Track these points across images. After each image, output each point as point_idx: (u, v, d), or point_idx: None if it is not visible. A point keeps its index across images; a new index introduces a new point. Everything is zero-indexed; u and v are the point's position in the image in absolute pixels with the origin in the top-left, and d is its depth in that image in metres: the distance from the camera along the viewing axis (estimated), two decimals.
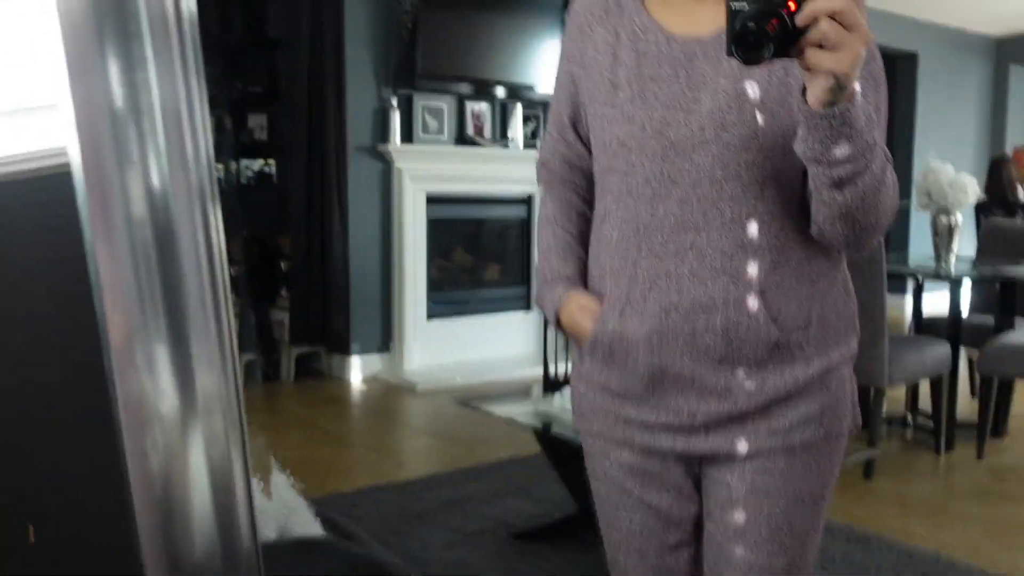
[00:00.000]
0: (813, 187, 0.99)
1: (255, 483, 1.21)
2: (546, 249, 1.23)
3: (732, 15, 0.89)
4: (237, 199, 4.99)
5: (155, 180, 0.69)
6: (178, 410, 0.72)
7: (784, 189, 1.05)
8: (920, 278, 4.09)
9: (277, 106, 5.26)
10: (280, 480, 1.21)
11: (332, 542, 1.00)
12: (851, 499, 3.16)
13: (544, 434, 2.55)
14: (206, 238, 0.73)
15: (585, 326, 1.14)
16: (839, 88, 0.88)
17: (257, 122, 5.23)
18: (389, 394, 4.68)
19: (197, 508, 0.70)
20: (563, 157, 1.23)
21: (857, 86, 0.90)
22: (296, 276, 4.89)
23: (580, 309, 1.16)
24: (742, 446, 1.10)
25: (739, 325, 1.05)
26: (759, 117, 1.03)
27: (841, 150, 0.92)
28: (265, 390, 4.74)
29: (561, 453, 2.69)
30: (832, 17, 0.85)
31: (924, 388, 4.04)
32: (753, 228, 1.04)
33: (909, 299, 5.33)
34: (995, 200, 6.00)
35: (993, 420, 3.81)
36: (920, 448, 3.81)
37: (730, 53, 0.89)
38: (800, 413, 1.09)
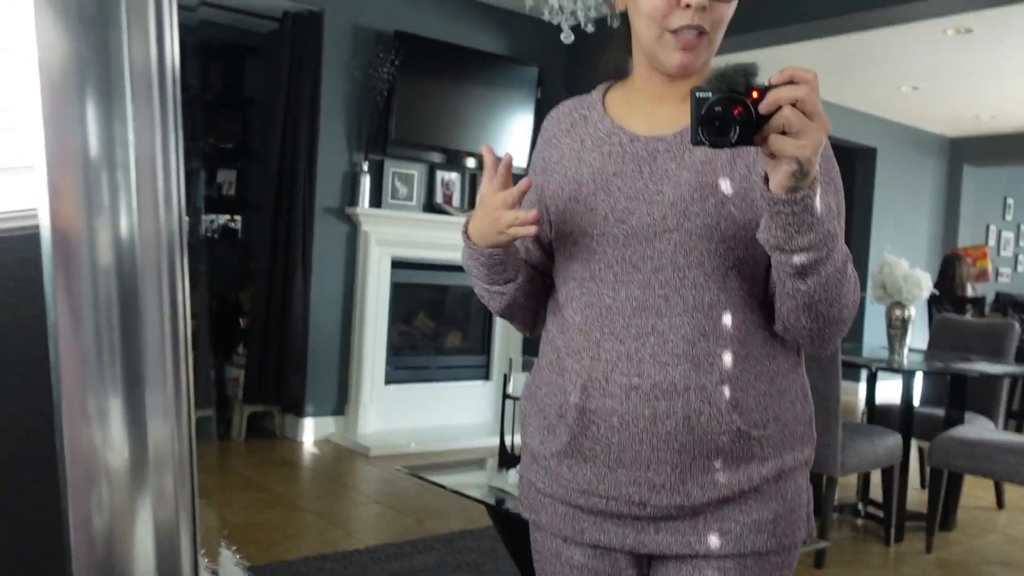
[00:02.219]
0: (777, 278, 1.02)
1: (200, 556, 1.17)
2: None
3: (698, 103, 0.92)
4: (201, 252, 4.95)
5: (123, 230, 0.68)
6: (128, 465, 0.70)
7: (747, 282, 1.07)
8: (874, 368, 4.15)
9: (248, 163, 5.28)
10: (227, 556, 1.17)
11: None
12: None
13: (497, 510, 2.51)
14: (171, 290, 0.73)
15: (482, 193, 1.14)
16: (802, 173, 0.91)
17: (226, 177, 5.23)
18: (341, 458, 4.59)
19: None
20: (527, 250, 1.23)
21: (817, 171, 0.93)
22: (254, 333, 4.83)
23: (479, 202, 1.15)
24: (690, 548, 1.08)
25: (700, 412, 1.04)
26: (721, 207, 1.05)
27: (803, 238, 0.94)
28: (215, 448, 4.63)
29: (513, 530, 2.64)
30: (794, 105, 0.89)
31: (875, 477, 4.07)
32: (715, 316, 1.06)
33: (862, 386, 5.41)
34: (946, 296, 6.16)
35: (942, 513, 3.84)
36: (870, 538, 3.81)
37: (696, 140, 0.93)
38: (753, 519, 1.08)
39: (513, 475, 2.63)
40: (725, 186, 1.06)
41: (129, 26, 0.68)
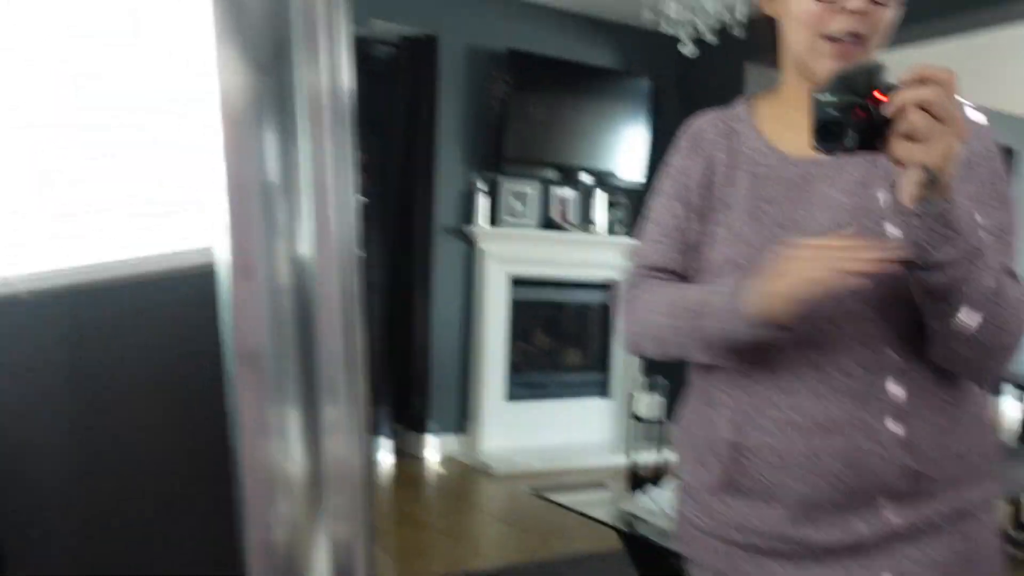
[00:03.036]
0: (919, 302, 0.93)
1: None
2: (671, 301, 1.06)
3: (816, 106, 0.87)
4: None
5: (301, 251, 0.70)
6: (306, 480, 0.70)
7: (911, 307, 0.96)
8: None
9: (368, 184, 5.41)
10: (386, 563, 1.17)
11: None
12: None
13: (628, 535, 2.46)
14: (346, 307, 0.73)
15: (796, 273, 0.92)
16: (931, 182, 0.83)
17: None
18: (464, 476, 4.62)
19: None
20: (674, 267, 1.12)
21: (950, 180, 0.85)
22: (377, 352, 4.92)
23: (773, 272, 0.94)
24: None
25: (864, 451, 0.96)
26: (876, 228, 0.97)
27: (939, 253, 0.86)
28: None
29: (645, 555, 2.58)
30: (922, 108, 0.82)
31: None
32: (876, 346, 0.97)
33: (1009, 401, 5.08)
34: None
35: None
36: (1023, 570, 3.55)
37: (815, 146, 0.88)
38: (931, 559, 0.97)
39: (643, 498, 2.57)
40: (885, 207, 0.97)
41: (304, 56, 0.70)
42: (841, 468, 0.96)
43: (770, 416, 0.99)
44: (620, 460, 4.05)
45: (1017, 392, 4.11)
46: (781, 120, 1.09)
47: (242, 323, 0.69)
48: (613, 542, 3.13)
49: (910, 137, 0.82)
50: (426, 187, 4.89)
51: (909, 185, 0.85)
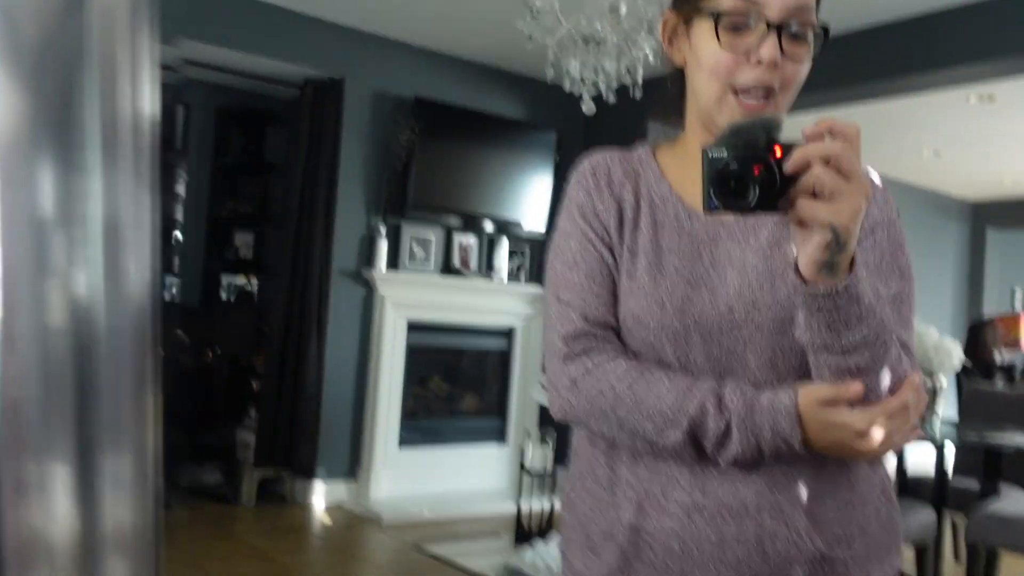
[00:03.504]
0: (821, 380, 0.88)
1: None
2: (689, 386, 0.92)
3: (711, 163, 0.80)
4: (217, 315, 4.94)
5: (81, 290, 0.64)
6: (78, 543, 0.64)
7: None
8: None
9: (266, 226, 5.29)
10: None
11: None
12: None
13: None
14: (136, 355, 0.68)
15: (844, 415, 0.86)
16: (837, 245, 0.77)
17: (244, 240, 5.25)
18: (352, 526, 4.48)
19: None
20: (614, 323, 0.99)
21: (855, 246, 0.80)
22: (267, 396, 4.77)
23: (823, 400, 0.86)
24: None
25: (775, 536, 0.89)
26: (796, 297, 0.89)
27: (853, 334, 0.81)
28: (223, 513, 4.53)
29: None
30: (827, 163, 0.77)
31: (907, 554, 3.89)
32: None
33: (891, 460, 5.23)
34: (975, 362, 6.02)
35: None
36: None
37: (709, 205, 0.80)
38: None
39: (529, 553, 2.52)
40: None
41: (98, 84, 0.65)
42: (751, 556, 0.90)
43: (675, 499, 0.92)
44: (515, 508, 3.99)
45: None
46: (683, 172, 1.02)
47: (4, 369, 0.63)
48: None
49: (815, 195, 0.77)
50: (325, 230, 4.81)
51: (812, 250, 0.78)
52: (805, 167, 0.77)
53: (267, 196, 5.29)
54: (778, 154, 0.79)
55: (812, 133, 0.79)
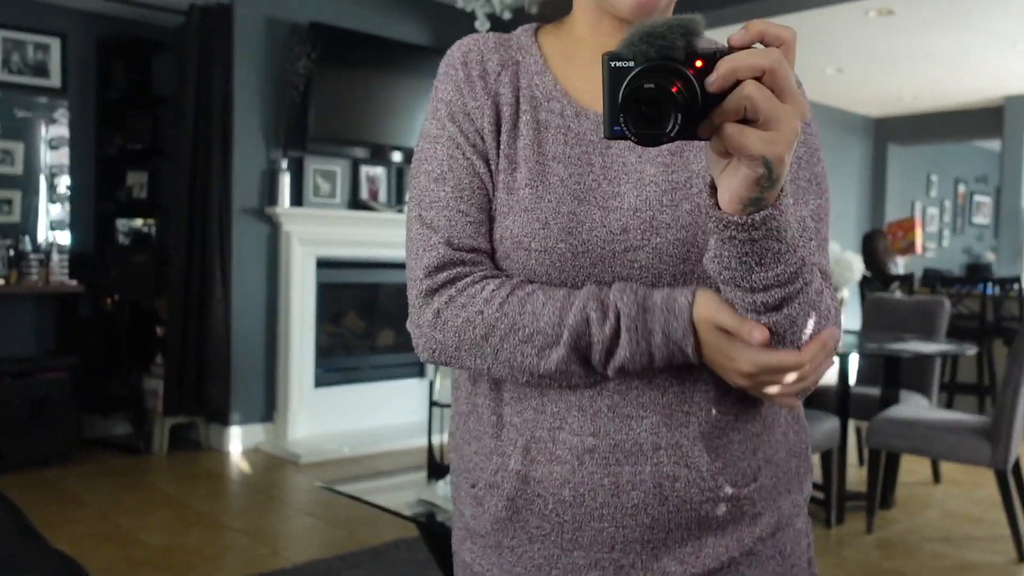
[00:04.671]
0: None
1: None
2: (565, 296, 0.81)
3: (613, 75, 0.63)
4: (112, 259, 4.71)
5: None
6: None
7: None
8: None
9: (159, 164, 5.03)
10: None
11: None
12: None
13: (426, 527, 2.38)
14: None
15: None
16: (769, 181, 0.64)
17: (137, 180, 4.98)
18: (270, 468, 4.41)
19: None
20: (487, 247, 0.87)
21: (786, 181, 0.68)
22: (172, 342, 4.60)
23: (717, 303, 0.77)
24: None
25: (675, 478, 0.81)
26: (699, 216, 0.79)
27: (767, 272, 0.70)
28: (134, 464, 4.40)
29: (445, 545, 2.52)
30: (759, 79, 0.62)
31: (814, 459, 4.04)
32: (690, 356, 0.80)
33: None
34: (872, 273, 6.22)
35: (881, 491, 3.84)
36: (813, 521, 3.78)
37: (612, 132, 0.63)
38: None
39: (441, 486, 2.50)
40: (703, 186, 0.80)
41: None
42: (649, 501, 0.81)
43: (564, 442, 0.82)
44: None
45: None
46: (571, 61, 0.89)
47: None
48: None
49: (745, 119, 0.63)
50: (223, 166, 4.60)
51: (739, 185, 0.65)
52: (733, 84, 0.62)
53: (158, 132, 5.01)
54: (699, 66, 0.63)
55: (740, 41, 0.64)
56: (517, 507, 0.85)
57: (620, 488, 0.81)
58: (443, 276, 0.84)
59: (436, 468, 2.58)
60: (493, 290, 0.82)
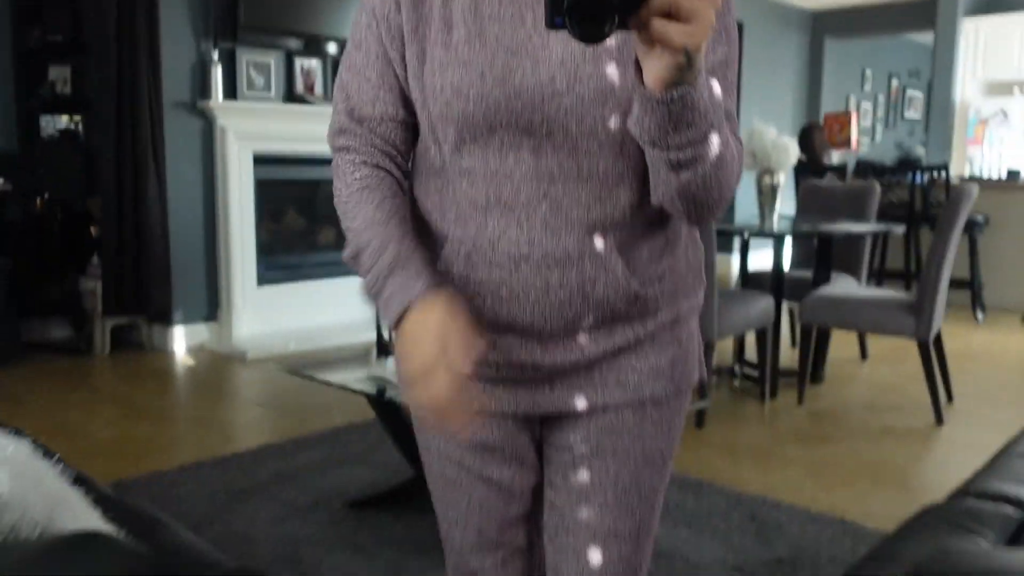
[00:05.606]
0: (649, 163, 0.91)
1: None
2: (376, 222, 0.98)
3: None
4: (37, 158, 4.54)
5: None
6: None
7: (642, 155, 0.95)
8: (746, 235, 4.24)
9: (82, 58, 4.80)
10: (42, 468, 1.02)
11: (110, 536, 0.84)
12: (683, 448, 3.23)
13: (378, 399, 2.44)
14: None
15: (426, 355, 0.89)
16: (688, 67, 0.75)
17: (60, 75, 4.76)
18: (216, 365, 4.41)
19: None
20: (392, 114, 1.01)
21: (703, 62, 0.79)
22: (108, 242, 4.50)
23: (434, 331, 0.91)
24: (588, 400, 1.03)
25: (595, 280, 0.97)
26: (616, 71, 0.91)
27: (681, 136, 0.82)
28: (76, 365, 4.36)
29: (397, 418, 2.58)
30: None
31: (750, 339, 4.21)
32: (611, 183, 0.95)
33: (735, 257, 5.56)
34: (808, 164, 6.34)
35: (812, 367, 4.02)
36: (747, 396, 3.96)
37: (554, 24, 0.70)
38: (650, 365, 1.03)
39: (391, 361, 2.55)
40: (622, 44, 0.92)
41: None
42: (573, 298, 0.97)
43: (504, 251, 0.96)
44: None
45: (740, 244, 4.49)
46: None
47: None
48: (372, 413, 3.09)
49: (668, 14, 0.71)
50: (151, 58, 4.42)
51: (661, 69, 0.75)
52: None
53: (79, 22, 4.76)
54: None
55: None
56: (459, 303, 0.95)
57: (550, 288, 0.97)
58: (340, 141, 1.03)
59: (384, 347, 2.62)
60: (355, 179, 1.01)
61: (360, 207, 0.99)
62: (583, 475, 1.04)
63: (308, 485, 2.80)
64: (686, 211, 0.92)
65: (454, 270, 0.99)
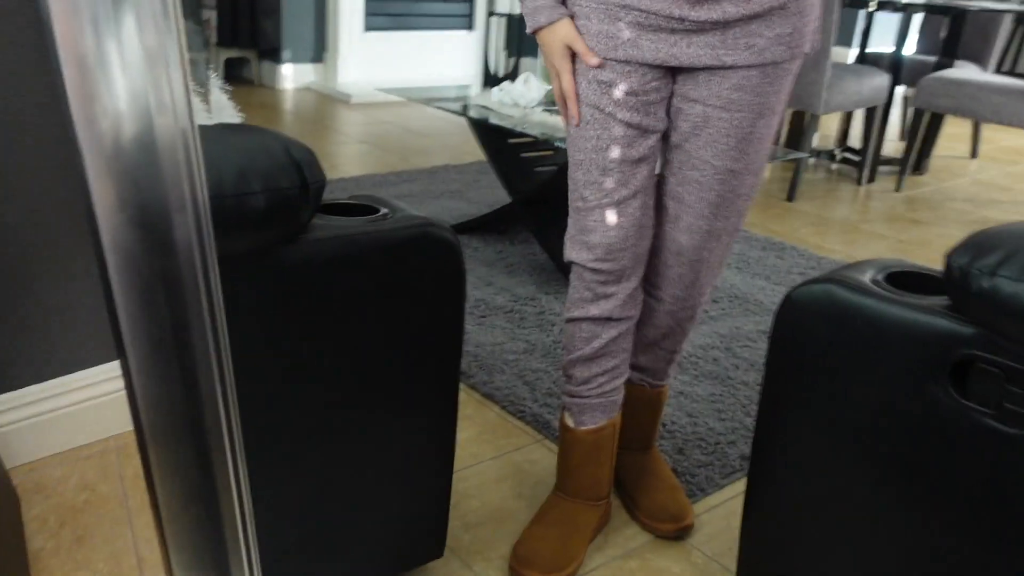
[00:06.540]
0: None
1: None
2: None
3: None
4: None
5: None
6: None
7: None
8: (871, 6, 4.01)
9: None
10: (214, 81, 1.14)
11: (262, 128, 0.98)
12: (772, 217, 3.27)
13: (480, 124, 2.52)
14: None
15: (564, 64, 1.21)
16: None
17: None
18: (321, 105, 4.55)
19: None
20: None
21: None
22: None
23: (564, 45, 1.20)
24: (719, 60, 1.16)
25: None
26: None
27: None
28: None
29: (497, 146, 2.67)
30: None
31: (855, 130, 4.10)
32: None
33: (853, 52, 5.27)
34: None
35: (917, 156, 3.92)
36: (844, 179, 3.92)
37: None
38: (775, 32, 1.16)
39: (496, 92, 2.60)
40: None
41: None
42: None
43: None
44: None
45: (865, 21, 4.25)
46: None
47: None
48: (471, 156, 3.21)
49: None
50: None
51: None
52: None
53: None
54: None
55: None
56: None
57: None
58: None
59: (492, 78, 2.66)
60: None
61: None
62: (711, 124, 1.20)
63: None
64: None
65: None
